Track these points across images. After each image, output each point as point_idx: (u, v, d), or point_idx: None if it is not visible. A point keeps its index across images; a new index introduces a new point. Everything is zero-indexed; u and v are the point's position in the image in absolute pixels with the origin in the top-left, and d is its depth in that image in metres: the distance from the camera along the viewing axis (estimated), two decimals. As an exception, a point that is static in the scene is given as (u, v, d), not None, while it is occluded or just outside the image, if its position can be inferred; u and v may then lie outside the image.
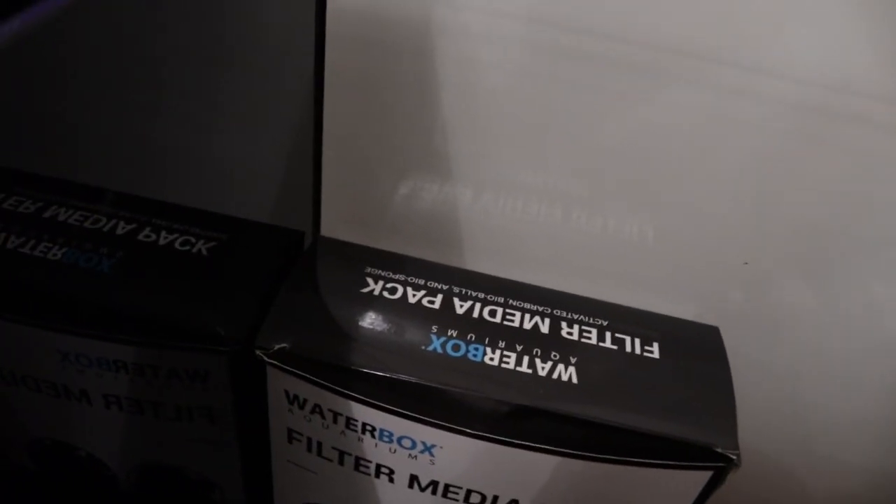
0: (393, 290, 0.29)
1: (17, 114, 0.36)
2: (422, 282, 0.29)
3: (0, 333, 0.28)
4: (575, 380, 0.26)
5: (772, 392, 0.37)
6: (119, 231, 0.30)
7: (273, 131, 0.34)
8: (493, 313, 0.28)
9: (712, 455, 0.25)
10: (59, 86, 0.35)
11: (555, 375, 0.26)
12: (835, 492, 0.41)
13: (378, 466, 0.28)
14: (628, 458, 0.26)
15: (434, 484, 0.28)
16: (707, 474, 0.26)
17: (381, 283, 0.29)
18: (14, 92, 0.36)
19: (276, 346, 0.26)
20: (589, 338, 0.28)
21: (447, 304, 0.28)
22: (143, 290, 0.28)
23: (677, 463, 0.26)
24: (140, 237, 0.30)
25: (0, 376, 0.30)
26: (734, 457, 0.25)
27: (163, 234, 0.30)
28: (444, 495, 0.28)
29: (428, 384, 0.25)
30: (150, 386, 0.29)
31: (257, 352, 0.26)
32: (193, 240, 0.30)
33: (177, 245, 0.30)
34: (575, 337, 0.28)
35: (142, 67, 0.34)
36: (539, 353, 0.27)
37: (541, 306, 0.29)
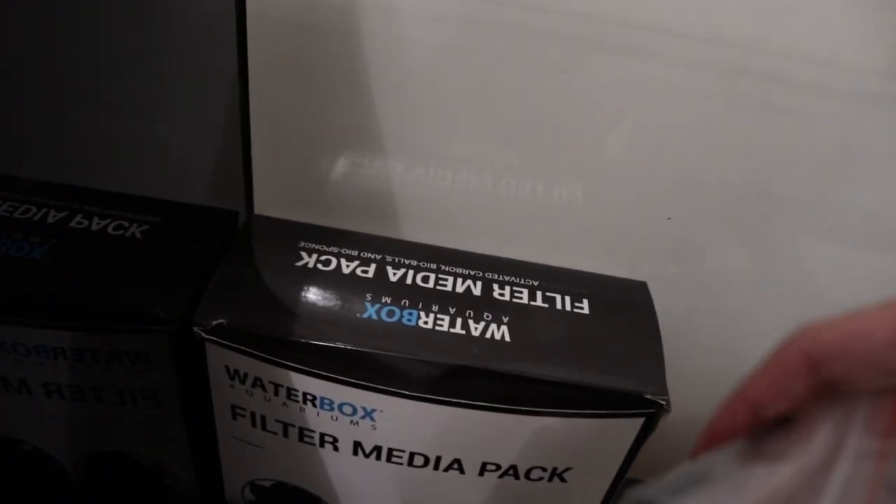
0: (327, 262, 0.29)
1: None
2: (355, 253, 0.30)
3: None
4: (508, 338, 0.27)
5: (705, 349, 0.38)
6: (50, 219, 0.30)
7: (202, 113, 0.34)
8: (426, 279, 0.29)
9: (643, 402, 0.26)
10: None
11: (488, 335, 0.27)
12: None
13: (322, 436, 0.29)
14: (563, 410, 0.27)
15: (378, 449, 0.29)
16: (640, 420, 0.27)
17: (315, 256, 0.29)
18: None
19: (214, 322, 0.26)
20: (520, 297, 0.29)
21: (381, 272, 0.29)
22: (78, 275, 0.28)
23: (611, 412, 0.27)
24: (72, 224, 0.30)
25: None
26: (663, 402, 0.26)
27: (95, 220, 0.30)
28: (389, 459, 0.29)
29: (364, 350, 0.26)
30: (91, 371, 0.29)
31: (195, 329, 0.26)
32: (127, 224, 0.30)
33: (110, 230, 0.30)
34: (507, 297, 0.29)
35: (68, 56, 0.34)
36: (472, 315, 0.28)
37: (473, 270, 0.30)
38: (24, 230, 0.29)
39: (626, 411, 0.27)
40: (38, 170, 0.32)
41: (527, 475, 0.29)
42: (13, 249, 0.28)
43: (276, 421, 0.29)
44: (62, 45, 0.33)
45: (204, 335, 0.26)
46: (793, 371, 0.18)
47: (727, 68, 0.30)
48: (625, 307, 0.30)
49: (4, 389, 0.30)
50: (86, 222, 0.30)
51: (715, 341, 0.38)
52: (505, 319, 0.28)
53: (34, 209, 0.30)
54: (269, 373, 0.27)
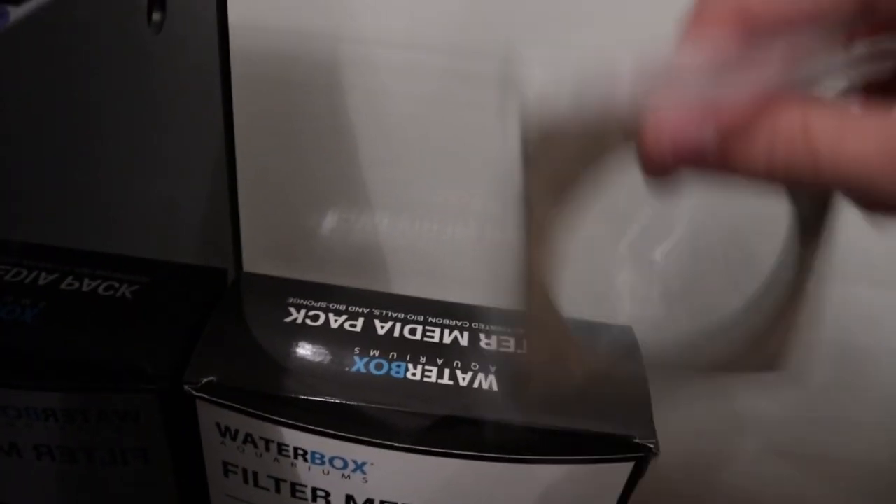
0: (315, 318, 0.29)
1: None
2: (343, 307, 0.30)
3: (-77, 390, 0.28)
4: (495, 387, 0.27)
5: (683, 388, 0.38)
6: (41, 281, 0.30)
7: (188, 172, 0.34)
8: (413, 331, 0.29)
9: (632, 446, 0.27)
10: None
11: (476, 385, 0.27)
12: (758, 488, 0.42)
13: (314, 490, 0.29)
14: (553, 457, 0.27)
15: (370, 502, 0.29)
16: (629, 465, 0.27)
17: (303, 311, 0.30)
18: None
19: (204, 380, 0.27)
20: (507, 346, 0.29)
21: (368, 326, 0.29)
22: (68, 336, 0.28)
23: (600, 457, 0.27)
24: (63, 286, 0.30)
25: (-74, 433, 0.30)
26: (652, 445, 0.27)
27: (86, 280, 0.30)
28: (381, 512, 0.29)
29: (353, 403, 0.26)
30: (82, 431, 0.29)
31: (186, 387, 0.27)
32: (117, 284, 0.30)
33: (100, 291, 0.30)
34: (493, 347, 0.29)
35: (52, 114, 0.34)
36: (459, 365, 0.28)
37: (459, 321, 0.30)
38: (14, 293, 0.29)
39: (616, 456, 0.27)
40: (27, 231, 0.32)
41: (519, 523, 0.29)
42: (4, 312, 0.28)
43: (268, 477, 0.29)
44: (45, 104, 0.34)
45: (194, 393, 0.27)
46: None
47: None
48: (612, 352, 0.30)
49: (-6, 452, 0.30)
50: (76, 283, 0.30)
51: (696, 383, 0.38)
52: (492, 369, 0.28)
53: (25, 272, 0.30)
54: (260, 428, 0.27)
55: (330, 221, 0.34)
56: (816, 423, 0.39)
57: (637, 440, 0.27)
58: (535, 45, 0.29)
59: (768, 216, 0.33)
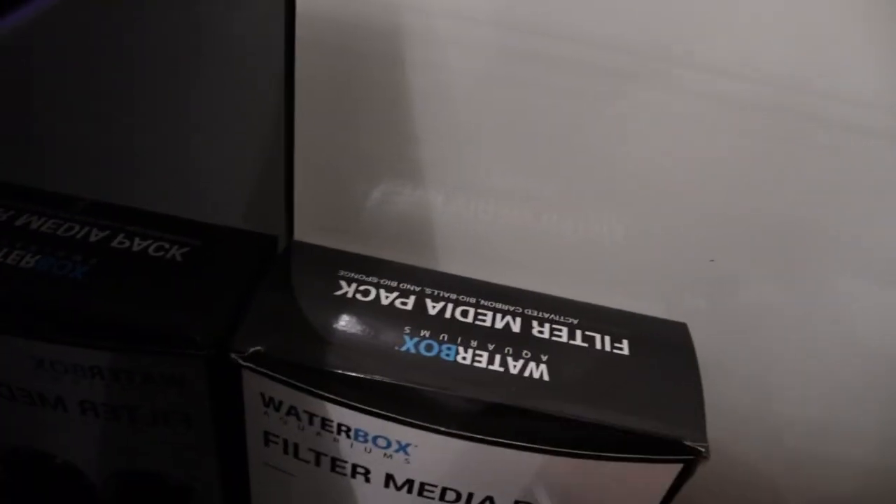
0: (366, 293, 0.29)
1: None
2: (395, 284, 0.29)
3: (-27, 341, 0.28)
4: (546, 377, 0.27)
5: (740, 390, 0.37)
6: (92, 238, 0.30)
7: (246, 137, 0.34)
8: (465, 313, 0.29)
9: (681, 448, 0.26)
10: (29, 95, 0.35)
11: (526, 373, 0.27)
12: (808, 488, 0.41)
13: (354, 466, 0.28)
14: (599, 454, 0.26)
15: (409, 483, 0.28)
16: (677, 467, 0.26)
17: (354, 285, 0.29)
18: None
19: (251, 349, 0.26)
20: (560, 336, 0.28)
21: (420, 305, 0.29)
22: (117, 295, 0.28)
23: (647, 457, 0.26)
24: (114, 244, 0.30)
25: (-25, 384, 0.30)
26: (703, 449, 0.26)
27: (136, 240, 0.30)
28: (420, 494, 0.29)
29: (401, 384, 0.26)
30: (126, 391, 0.29)
31: (232, 355, 0.26)
32: (167, 245, 0.30)
33: (151, 251, 0.30)
34: (546, 335, 0.28)
35: (113, 75, 0.34)
36: (510, 352, 0.27)
37: (512, 306, 0.29)
38: (66, 248, 0.29)
39: (664, 457, 0.26)
40: (81, 188, 0.32)
41: (559, 516, 0.29)
42: (56, 267, 0.28)
43: (309, 450, 0.28)
44: (105, 64, 0.34)
45: (241, 362, 0.26)
46: None
47: (766, 105, 0.29)
48: (665, 349, 0.29)
49: (41, 405, 0.30)
50: (127, 242, 0.30)
51: (750, 381, 0.37)
52: (544, 358, 0.27)
53: (77, 227, 0.30)
54: (305, 402, 0.27)
55: (382, 194, 0.34)
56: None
57: (687, 442, 0.26)
58: (604, 25, 0.28)
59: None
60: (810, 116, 0.29)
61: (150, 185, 0.36)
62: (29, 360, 0.28)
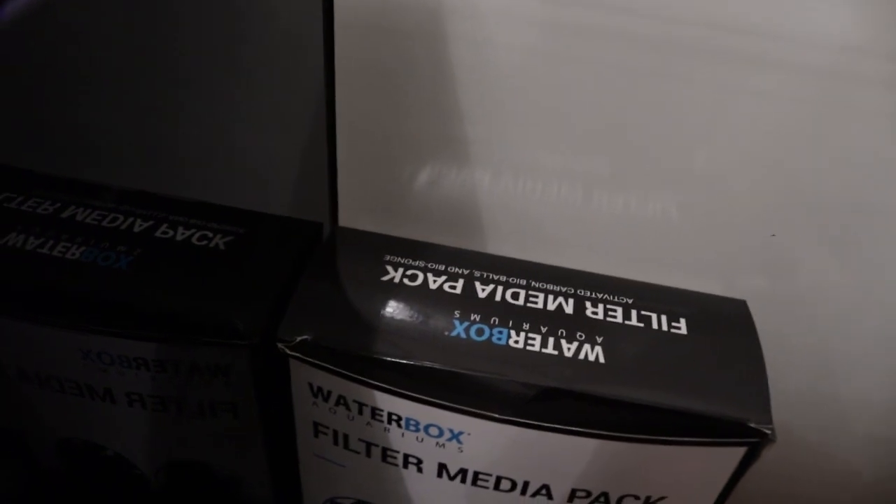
0: (413, 277, 0.28)
1: (34, 116, 0.36)
2: (442, 267, 0.29)
3: (22, 334, 0.28)
4: (602, 359, 0.26)
5: (802, 370, 0.36)
6: (136, 228, 0.30)
7: (287, 123, 0.33)
8: (515, 296, 0.28)
9: (746, 430, 0.25)
10: (74, 86, 0.35)
11: (581, 356, 0.26)
12: (876, 469, 0.40)
13: (406, 456, 0.28)
14: (660, 437, 0.25)
15: (463, 472, 0.28)
16: (741, 450, 0.25)
17: (401, 270, 0.28)
18: (30, 94, 0.36)
19: (298, 338, 0.26)
20: (614, 316, 0.28)
21: (469, 288, 0.28)
22: (162, 286, 0.27)
23: (711, 440, 0.25)
24: (157, 234, 0.29)
25: (25, 377, 0.30)
26: (768, 431, 0.25)
27: (180, 229, 0.30)
28: (474, 483, 0.28)
29: (453, 370, 0.25)
30: (172, 382, 0.28)
31: (279, 345, 0.26)
32: (211, 234, 0.30)
33: (194, 240, 0.29)
34: (600, 316, 0.27)
35: (154, 65, 0.34)
36: (564, 334, 0.26)
37: (564, 287, 0.28)
38: (111, 239, 0.29)
39: (728, 440, 0.25)
40: (124, 178, 0.32)
41: None
42: (101, 258, 0.28)
43: (360, 440, 0.28)
44: (145, 52, 0.34)
45: (288, 351, 0.26)
46: None
47: (832, 73, 0.28)
48: (724, 327, 0.28)
49: (90, 397, 0.30)
50: (171, 232, 0.30)
51: (812, 362, 0.36)
52: (599, 339, 0.26)
53: (121, 218, 0.30)
54: (354, 391, 0.26)
55: (427, 176, 0.33)
56: None
57: (752, 424, 0.25)
58: (652, 1, 0.27)
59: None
60: (880, 89, 0.28)
61: (193, 174, 0.36)
62: (76, 351, 0.28)
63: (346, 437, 0.28)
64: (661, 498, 0.27)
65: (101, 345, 0.28)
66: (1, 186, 0.31)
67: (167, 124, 0.35)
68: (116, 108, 0.35)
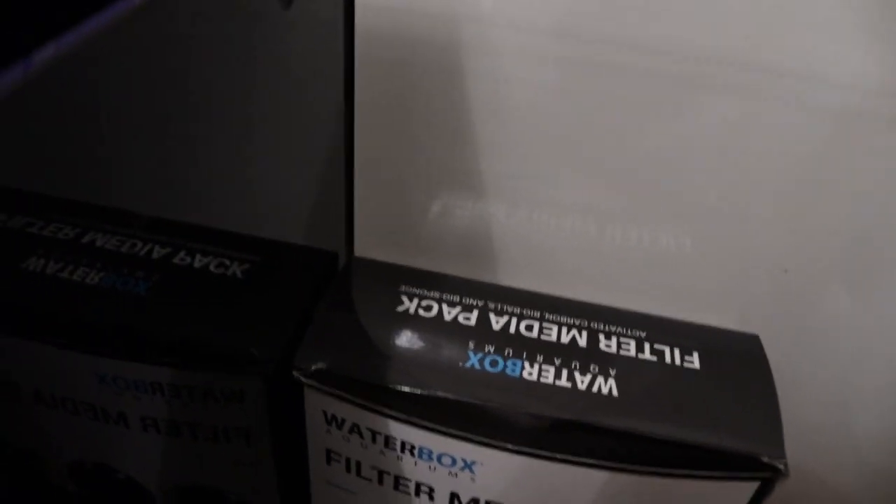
0: (428, 308, 0.28)
1: (55, 142, 0.37)
2: (457, 298, 0.29)
3: (39, 357, 0.28)
4: (615, 392, 0.26)
5: (815, 404, 0.36)
6: (155, 255, 0.30)
7: (305, 153, 0.34)
8: (529, 328, 0.28)
9: (759, 465, 0.25)
10: (94, 114, 0.36)
11: (594, 388, 0.26)
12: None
13: (418, 485, 0.28)
14: (672, 471, 0.25)
15: (475, 501, 0.28)
16: (754, 485, 0.25)
17: (416, 300, 0.29)
18: (50, 121, 0.36)
19: (314, 367, 0.26)
20: (628, 350, 0.28)
21: (483, 319, 0.28)
22: (179, 312, 0.28)
23: (723, 474, 0.25)
24: (175, 260, 0.30)
25: (40, 399, 0.30)
26: (781, 466, 0.25)
27: (198, 256, 0.30)
28: (486, 513, 0.28)
29: (467, 400, 0.25)
30: (187, 408, 0.29)
31: (295, 373, 0.26)
32: (228, 262, 0.30)
33: (212, 268, 0.30)
34: (613, 349, 0.28)
35: (174, 94, 0.34)
36: (578, 367, 0.27)
37: (578, 319, 0.29)
38: (129, 265, 0.29)
39: (740, 474, 0.25)
40: (143, 205, 0.32)
41: (630, 536, 0.28)
42: (119, 283, 0.28)
43: (372, 468, 0.28)
44: (165, 82, 0.34)
45: (303, 380, 0.26)
46: None
47: (844, 111, 0.28)
48: (737, 361, 0.28)
49: (104, 420, 0.30)
50: (188, 259, 0.30)
51: (826, 397, 0.36)
52: (612, 372, 0.27)
53: (140, 244, 0.30)
54: (368, 420, 0.26)
55: (443, 208, 0.33)
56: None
57: (765, 459, 0.25)
58: (667, 32, 0.28)
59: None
60: (881, 119, 0.28)
61: (211, 202, 0.36)
62: (92, 375, 0.28)
63: (358, 464, 0.28)
64: (673, 532, 0.27)
65: (117, 369, 0.28)
66: (22, 211, 0.32)
67: (187, 153, 0.36)
68: (137, 136, 0.36)
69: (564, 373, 0.26)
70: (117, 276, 0.29)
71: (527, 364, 0.26)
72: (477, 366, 0.26)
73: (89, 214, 0.32)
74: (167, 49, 0.33)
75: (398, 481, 0.28)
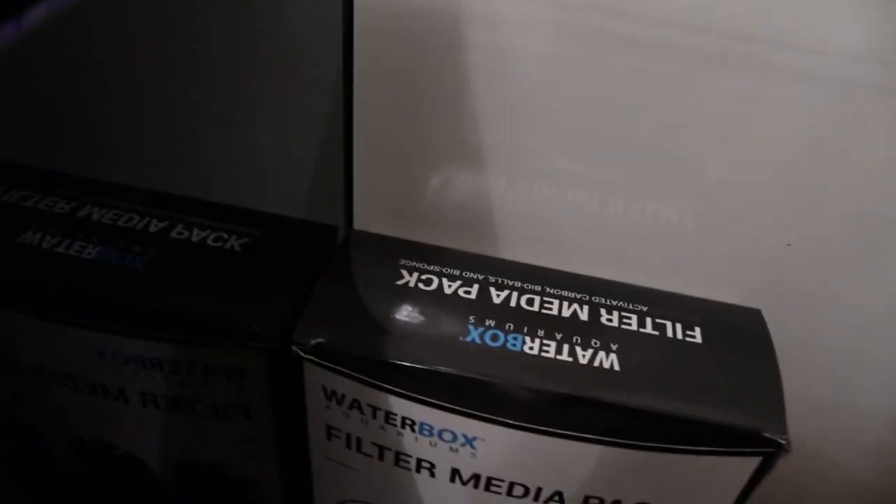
0: (428, 282, 0.28)
1: (50, 114, 0.36)
2: (457, 272, 0.29)
3: (38, 332, 0.28)
4: (617, 367, 0.26)
5: (817, 379, 0.36)
6: (152, 229, 0.30)
7: (303, 126, 0.33)
8: (530, 302, 0.28)
9: (760, 440, 0.25)
10: (90, 85, 0.35)
11: (596, 363, 0.26)
12: (886, 481, 0.40)
13: (419, 461, 0.28)
14: (674, 446, 0.25)
15: (476, 477, 0.28)
16: (756, 460, 0.25)
17: (415, 274, 0.28)
18: (45, 92, 0.36)
19: (313, 342, 0.26)
20: (629, 324, 0.27)
21: (483, 293, 0.28)
22: (177, 287, 0.28)
23: (724, 449, 0.25)
24: (173, 234, 0.30)
25: (40, 375, 0.30)
26: (783, 441, 0.25)
27: (195, 230, 0.30)
28: (487, 488, 0.28)
29: (467, 375, 0.25)
30: (186, 384, 0.28)
31: (294, 348, 0.26)
32: (226, 236, 0.30)
33: (209, 241, 0.29)
34: (615, 323, 0.27)
35: (170, 65, 0.34)
36: (579, 341, 0.26)
37: (579, 293, 0.28)
38: (126, 239, 0.29)
39: (742, 450, 0.25)
40: (140, 178, 0.32)
41: (631, 511, 0.28)
42: (116, 258, 0.28)
43: (373, 444, 0.28)
44: (162, 53, 0.34)
45: (303, 354, 0.26)
46: None
47: (848, 84, 0.28)
48: (739, 336, 0.28)
49: (103, 396, 0.30)
50: (186, 233, 0.30)
51: (830, 372, 0.36)
52: (613, 347, 0.26)
53: (137, 218, 0.30)
54: (368, 395, 0.26)
55: (443, 181, 0.33)
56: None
57: (766, 434, 0.25)
58: (666, 4, 0.27)
59: None
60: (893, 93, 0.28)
61: (209, 175, 0.36)
62: (91, 350, 0.28)
63: (358, 440, 0.28)
64: (674, 506, 0.27)
65: (116, 344, 0.28)
66: (18, 185, 0.31)
67: (183, 125, 0.35)
68: (133, 108, 0.35)
69: (566, 347, 0.26)
70: (114, 249, 0.28)
71: (528, 338, 0.26)
72: (477, 340, 0.26)
73: (86, 188, 0.31)
74: (166, 20, 0.33)
75: (399, 457, 0.28)
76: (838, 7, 0.26)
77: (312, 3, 0.31)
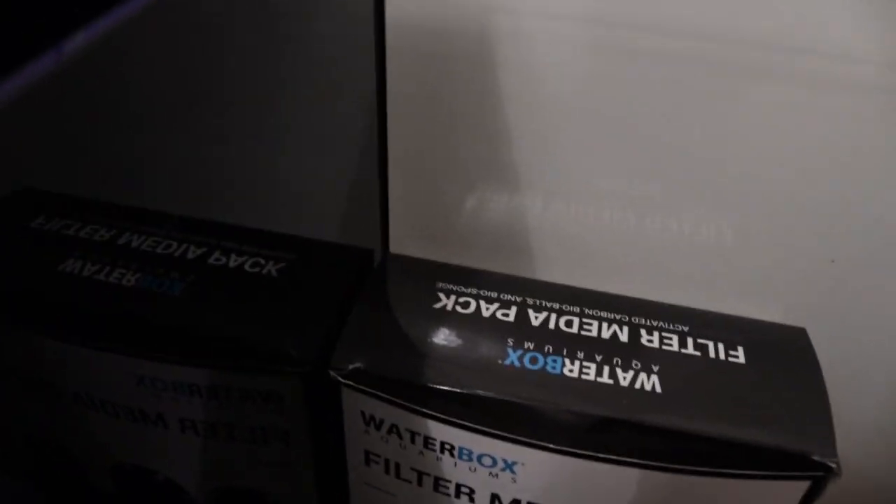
0: (466, 305, 0.28)
1: (90, 146, 0.37)
2: (495, 294, 0.28)
3: (78, 359, 0.28)
4: (658, 389, 0.25)
5: (865, 400, 0.35)
6: (190, 255, 0.30)
7: (338, 150, 0.34)
8: (569, 323, 0.27)
9: (809, 464, 0.24)
10: (127, 116, 0.36)
11: (637, 385, 0.25)
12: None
13: (458, 486, 0.28)
14: (719, 470, 0.25)
15: (516, 502, 0.27)
16: (804, 484, 0.25)
17: (453, 297, 0.28)
18: (85, 124, 0.36)
19: (351, 366, 0.26)
20: (670, 344, 0.27)
21: (522, 316, 0.28)
22: (215, 312, 0.28)
23: (772, 473, 0.25)
24: (210, 260, 0.30)
25: (80, 401, 0.30)
26: (833, 465, 0.24)
27: (233, 256, 0.30)
28: (527, 513, 0.27)
29: (507, 399, 0.25)
30: (224, 409, 0.28)
31: (331, 372, 0.26)
32: (263, 261, 0.30)
33: (247, 267, 0.30)
34: (655, 344, 0.27)
35: (205, 93, 0.34)
36: (619, 363, 0.26)
37: (618, 314, 0.28)
38: (165, 266, 0.29)
39: (791, 474, 0.24)
40: (178, 205, 0.32)
41: (675, 537, 0.27)
42: (155, 285, 0.28)
43: (411, 469, 0.28)
44: (198, 81, 0.34)
45: (340, 379, 0.26)
46: None
47: (889, 94, 0.27)
48: (784, 356, 0.28)
49: (142, 422, 0.30)
50: (224, 259, 0.30)
51: (878, 393, 0.35)
52: (655, 368, 0.26)
53: (175, 245, 0.30)
54: (407, 420, 0.26)
55: (479, 202, 0.33)
56: None
57: (816, 457, 0.24)
58: (704, 17, 0.27)
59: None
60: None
61: (245, 201, 0.36)
62: (131, 377, 0.28)
63: (397, 465, 0.28)
64: (720, 532, 0.27)
65: (155, 371, 0.28)
66: (59, 214, 0.32)
67: (219, 151, 0.35)
68: (170, 136, 0.36)
69: (606, 369, 0.26)
70: (153, 276, 0.29)
71: (567, 361, 0.26)
72: (517, 363, 0.26)
73: (125, 216, 0.32)
74: (198, 48, 0.33)
75: (438, 482, 0.28)
76: (878, 15, 0.26)
77: (344, 25, 0.31)
